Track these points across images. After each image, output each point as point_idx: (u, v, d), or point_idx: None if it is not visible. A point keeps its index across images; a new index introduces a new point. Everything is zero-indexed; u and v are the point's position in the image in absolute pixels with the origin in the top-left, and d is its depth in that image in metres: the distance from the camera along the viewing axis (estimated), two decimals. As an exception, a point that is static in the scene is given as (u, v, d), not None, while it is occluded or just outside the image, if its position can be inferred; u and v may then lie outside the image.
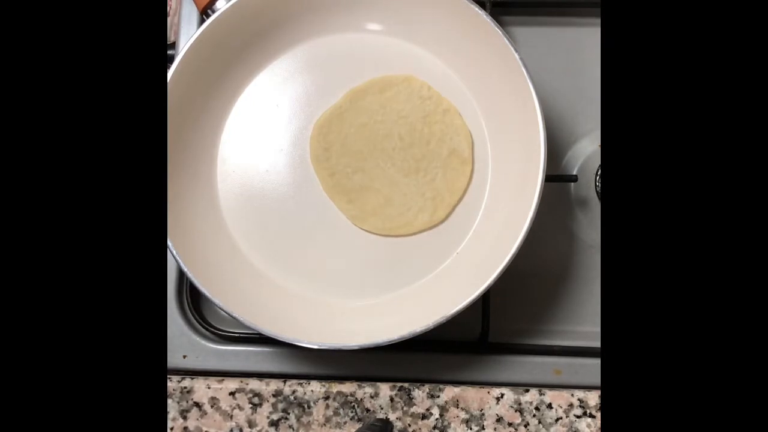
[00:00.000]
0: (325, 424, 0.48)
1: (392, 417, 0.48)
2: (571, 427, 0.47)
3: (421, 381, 0.49)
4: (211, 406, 0.48)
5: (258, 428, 0.48)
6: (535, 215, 0.44)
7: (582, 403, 0.48)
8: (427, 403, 0.48)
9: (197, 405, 0.48)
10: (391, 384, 0.48)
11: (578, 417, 0.48)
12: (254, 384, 0.49)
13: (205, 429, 0.48)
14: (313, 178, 0.51)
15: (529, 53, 0.47)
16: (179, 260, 0.45)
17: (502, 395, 0.48)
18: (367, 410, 0.48)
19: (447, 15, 0.48)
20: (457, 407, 0.48)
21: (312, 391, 0.48)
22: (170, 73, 0.47)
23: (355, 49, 0.52)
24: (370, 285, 0.50)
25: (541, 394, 0.48)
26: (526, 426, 0.48)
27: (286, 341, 0.44)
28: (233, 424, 0.48)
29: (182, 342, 0.52)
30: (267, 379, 0.49)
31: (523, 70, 0.45)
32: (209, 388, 0.48)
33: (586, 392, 0.48)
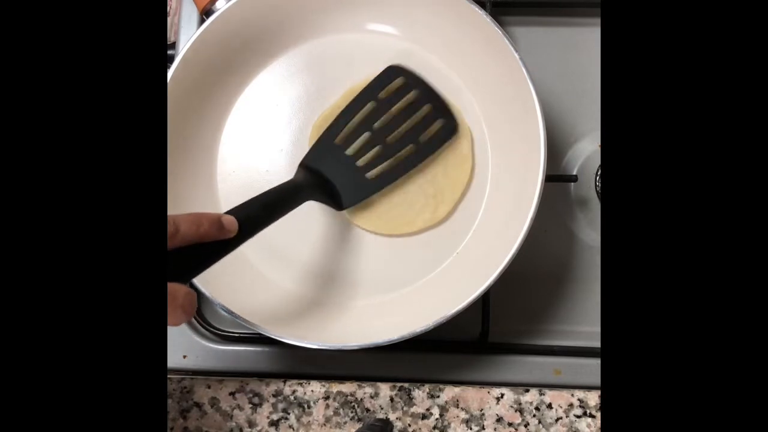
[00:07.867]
0: (325, 424, 0.48)
1: (392, 417, 0.48)
2: (571, 427, 0.47)
3: (421, 381, 0.49)
4: (211, 406, 0.48)
5: (258, 428, 0.48)
6: (535, 215, 0.44)
7: (582, 403, 0.48)
8: (427, 403, 0.48)
9: (197, 405, 0.48)
10: (391, 384, 0.48)
11: (578, 417, 0.48)
12: (254, 384, 0.48)
13: (205, 429, 0.48)
14: (313, 178, 0.51)
15: (529, 53, 0.47)
16: (179, 260, 0.45)
17: (502, 395, 0.48)
18: (367, 410, 0.48)
19: (447, 15, 0.48)
20: (457, 407, 0.48)
21: (312, 391, 0.48)
22: (170, 73, 0.47)
23: (355, 49, 0.52)
24: (370, 285, 0.50)
25: (541, 394, 0.48)
26: (526, 426, 0.48)
27: (286, 341, 0.44)
28: (233, 424, 0.48)
29: (182, 342, 0.52)
30: (267, 379, 0.49)
31: (523, 70, 0.45)
32: (209, 388, 0.48)
33: (586, 392, 0.48)
